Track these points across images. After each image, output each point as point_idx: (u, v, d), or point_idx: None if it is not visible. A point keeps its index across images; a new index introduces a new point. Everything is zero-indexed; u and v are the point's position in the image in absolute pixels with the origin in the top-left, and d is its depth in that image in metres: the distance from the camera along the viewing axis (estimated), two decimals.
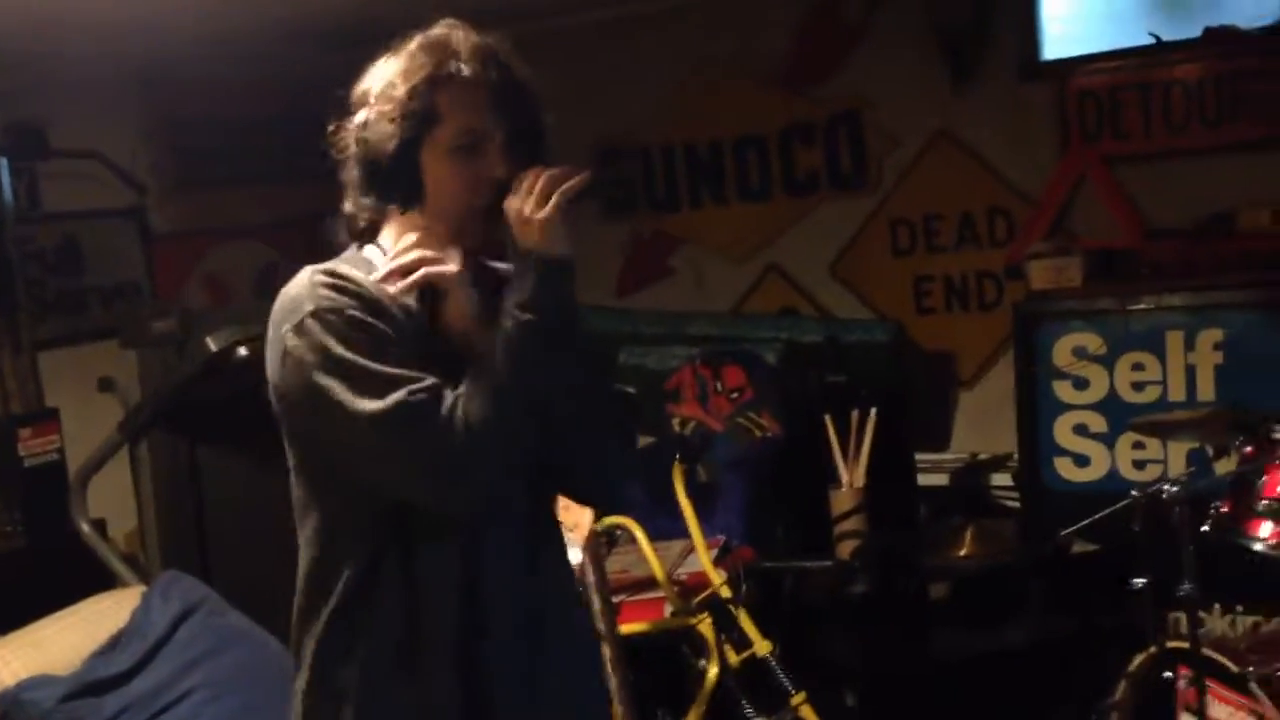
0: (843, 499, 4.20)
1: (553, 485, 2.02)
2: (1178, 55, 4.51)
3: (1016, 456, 4.55)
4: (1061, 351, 4.38)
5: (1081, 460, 4.35)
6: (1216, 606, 3.56)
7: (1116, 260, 4.49)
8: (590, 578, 2.97)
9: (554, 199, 1.79)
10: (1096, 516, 3.32)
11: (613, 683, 2.96)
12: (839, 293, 5.21)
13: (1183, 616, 3.15)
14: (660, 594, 3.49)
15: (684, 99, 5.32)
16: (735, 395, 4.46)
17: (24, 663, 3.25)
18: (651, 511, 3.69)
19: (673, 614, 3.46)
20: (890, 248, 5.09)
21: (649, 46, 5.25)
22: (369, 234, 1.96)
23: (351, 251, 1.96)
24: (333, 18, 4.26)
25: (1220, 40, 4.44)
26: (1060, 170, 4.74)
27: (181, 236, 5.24)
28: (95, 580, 3.98)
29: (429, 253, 1.88)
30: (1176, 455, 4.13)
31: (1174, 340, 4.22)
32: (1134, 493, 3.15)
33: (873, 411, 4.31)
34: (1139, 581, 3.08)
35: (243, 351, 3.81)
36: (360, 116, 1.89)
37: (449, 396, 1.76)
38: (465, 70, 1.85)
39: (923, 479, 4.68)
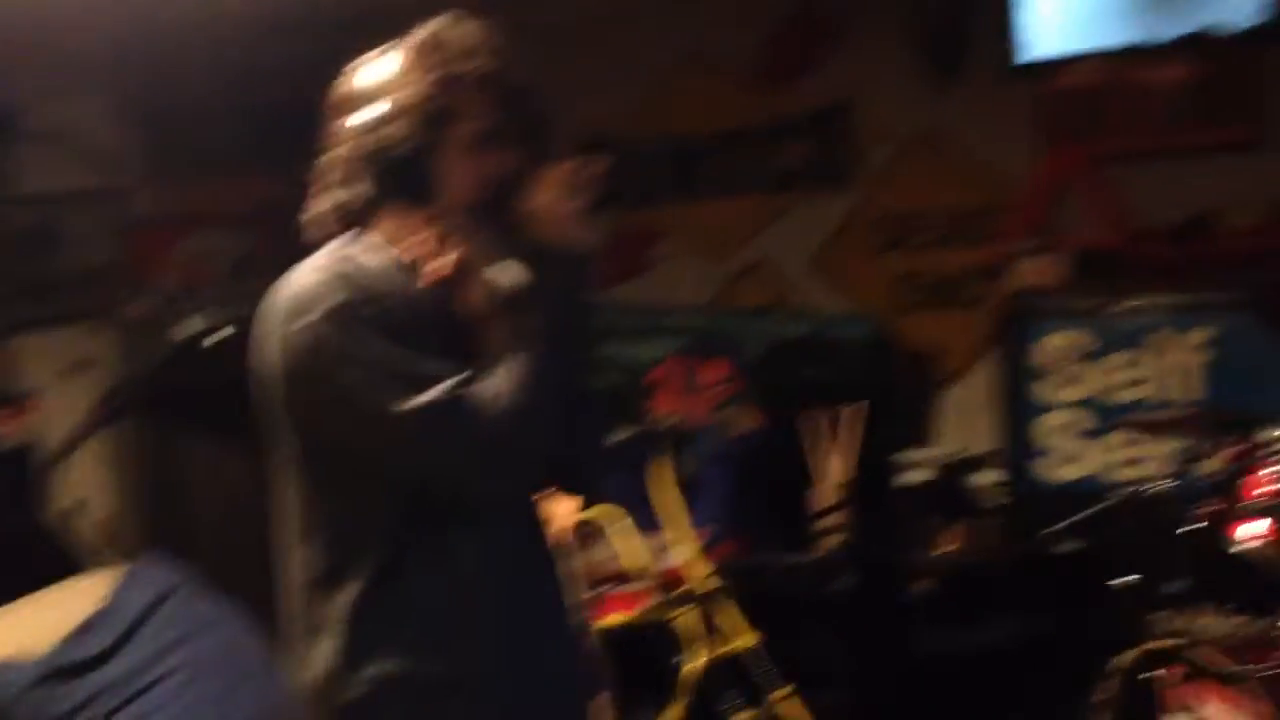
0: (824, 495, 4.18)
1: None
2: (1162, 55, 4.51)
3: (999, 455, 4.54)
4: (1045, 350, 4.37)
5: (1065, 459, 4.34)
6: (1202, 605, 3.55)
7: (1101, 260, 4.49)
8: (570, 570, 2.93)
9: (581, 191, 1.80)
10: (1081, 515, 3.31)
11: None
12: (821, 289, 5.19)
13: (1168, 615, 3.15)
14: (643, 586, 3.46)
15: (667, 93, 5.30)
16: (718, 389, 4.43)
17: None
18: (632, 504, 3.65)
19: (655, 606, 3.43)
20: (873, 244, 5.08)
21: (631, 41, 5.23)
22: (357, 223, 1.90)
23: (345, 240, 1.89)
24: (318, 5, 4.22)
25: (1204, 41, 4.44)
26: (1044, 169, 4.73)
27: (159, 222, 5.18)
28: (72, 565, 3.95)
29: (440, 243, 1.87)
30: (1160, 455, 4.13)
31: (1159, 340, 4.22)
32: (1118, 492, 3.15)
33: (855, 408, 4.29)
34: (1124, 580, 3.08)
35: (218, 338, 3.78)
36: (366, 113, 1.85)
37: (479, 388, 1.75)
38: (480, 66, 1.84)
39: (905, 477, 4.66)
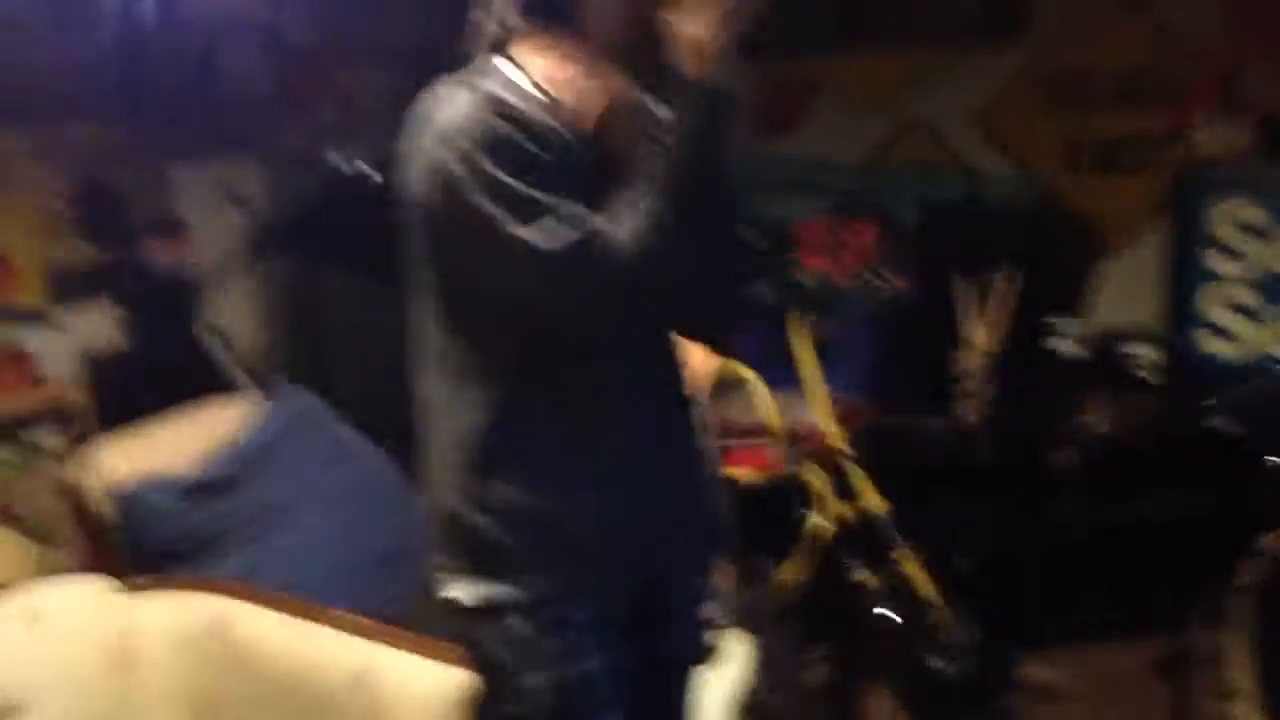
0: (971, 361, 4.04)
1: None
2: None
3: (1159, 328, 4.35)
4: (1220, 221, 4.14)
5: (1229, 336, 4.14)
6: None
7: None
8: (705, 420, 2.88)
9: (726, 23, 1.70)
10: (1239, 391, 3.15)
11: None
12: (983, 149, 4.98)
13: None
14: (775, 444, 3.41)
15: None
16: (867, 250, 4.32)
17: (139, 460, 3.29)
18: (772, 360, 3.59)
19: (785, 464, 3.38)
20: (1041, 104, 4.83)
21: None
22: (501, 47, 1.85)
23: (487, 65, 1.84)
24: None
25: None
26: (1236, 26, 4.42)
27: (318, 54, 5.17)
28: (219, 388, 4.05)
29: (586, 72, 1.81)
30: None
31: None
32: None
33: (1009, 274, 4.13)
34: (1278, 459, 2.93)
35: (373, 174, 3.78)
36: None
37: (613, 227, 1.72)
38: None
39: (1059, 347, 4.49)
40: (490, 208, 1.71)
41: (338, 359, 4.06)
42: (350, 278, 4.00)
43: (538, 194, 1.70)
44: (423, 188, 1.78)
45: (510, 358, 1.82)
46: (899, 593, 3.20)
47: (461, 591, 1.87)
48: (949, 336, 4.09)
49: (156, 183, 4.50)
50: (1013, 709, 3.33)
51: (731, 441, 3.42)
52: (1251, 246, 4.13)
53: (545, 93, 1.80)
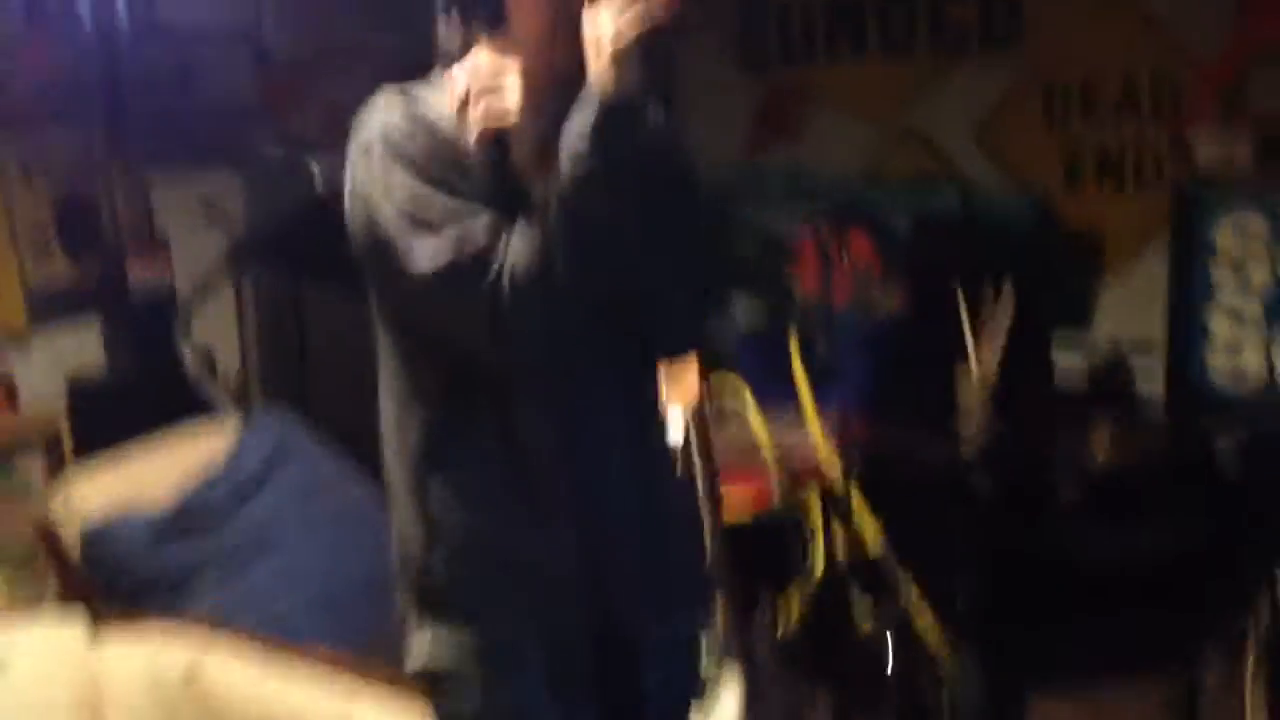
0: (971, 382, 3.94)
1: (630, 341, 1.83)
2: None
3: (1162, 346, 4.25)
4: (1224, 236, 4.05)
5: (1236, 353, 4.05)
6: None
7: None
8: (693, 450, 2.79)
9: (633, 26, 1.58)
10: (1247, 412, 3.06)
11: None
12: (982, 161, 4.88)
13: None
14: (764, 464, 3.32)
15: None
16: (860, 266, 4.22)
17: (112, 491, 3.18)
18: (769, 378, 3.50)
19: (778, 490, 3.28)
20: (1040, 114, 4.74)
21: None
22: (452, 58, 1.79)
23: (437, 76, 1.79)
24: None
25: None
26: (1239, 33, 4.33)
27: (298, 62, 5.07)
28: (201, 410, 3.95)
29: (492, 82, 1.70)
30: None
31: None
32: None
33: (1008, 291, 4.03)
34: None
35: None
36: None
37: (502, 246, 1.63)
38: None
39: (1060, 366, 4.39)
40: (386, 214, 1.66)
41: (319, 376, 3.96)
42: (332, 292, 3.90)
43: (435, 207, 1.64)
44: (345, 194, 1.74)
45: (440, 376, 1.75)
46: (900, 628, 3.10)
47: (415, 644, 1.80)
48: (947, 354, 3.99)
49: (137, 197, 4.39)
50: None
51: (726, 465, 3.31)
52: (1257, 260, 4.03)
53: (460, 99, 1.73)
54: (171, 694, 2.56)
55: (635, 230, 1.65)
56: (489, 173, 1.69)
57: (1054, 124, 4.71)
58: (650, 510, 1.84)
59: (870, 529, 3.23)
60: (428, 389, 1.75)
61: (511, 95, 1.71)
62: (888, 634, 3.11)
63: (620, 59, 1.58)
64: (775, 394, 3.52)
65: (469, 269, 1.61)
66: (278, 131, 4.58)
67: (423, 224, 1.63)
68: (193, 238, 4.40)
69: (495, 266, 1.61)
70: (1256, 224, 4.05)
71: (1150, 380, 4.32)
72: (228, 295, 4.09)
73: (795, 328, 3.54)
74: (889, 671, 3.09)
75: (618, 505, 1.80)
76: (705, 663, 2.22)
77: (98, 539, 3.01)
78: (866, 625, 3.12)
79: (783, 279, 4.33)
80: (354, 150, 1.72)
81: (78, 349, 4.20)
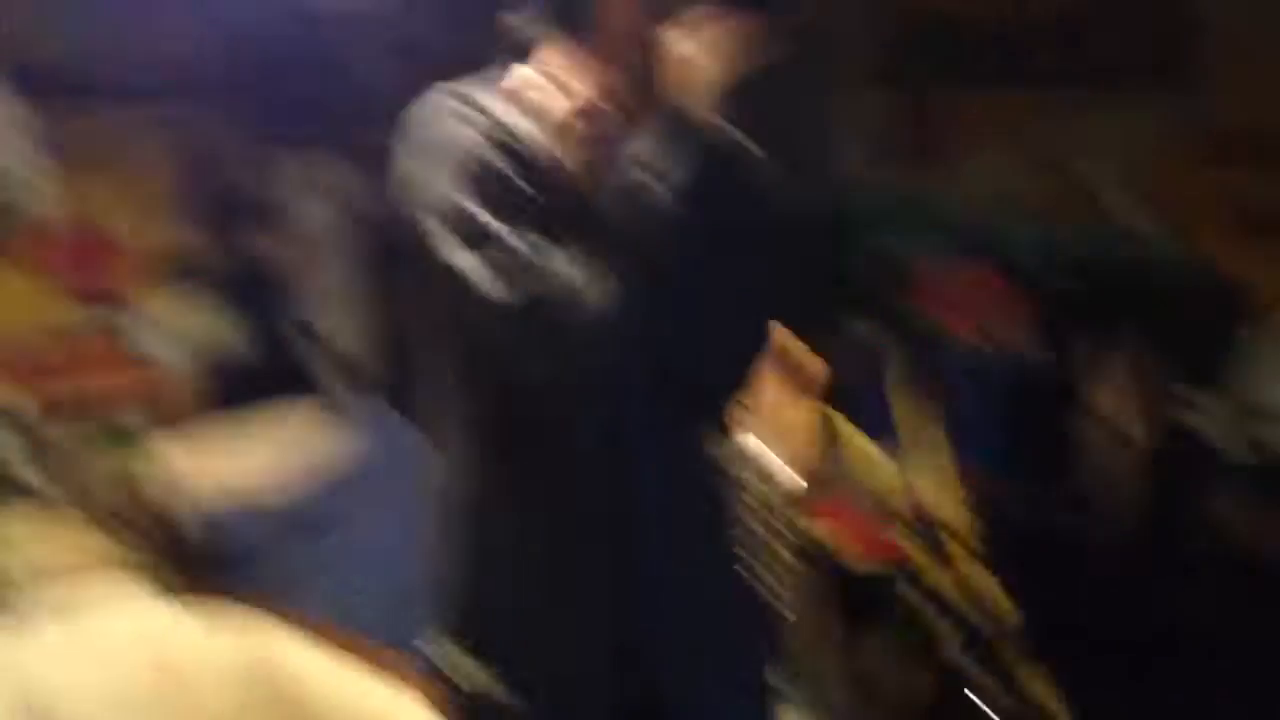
0: (1099, 433, 3.78)
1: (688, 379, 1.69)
2: None
3: None
4: None
5: None
6: None
7: None
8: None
9: (729, 50, 1.47)
10: None
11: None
12: (1129, 200, 4.68)
13: None
14: (871, 513, 3.17)
15: None
16: (990, 300, 4.06)
17: (220, 467, 3.19)
18: (870, 416, 3.35)
19: (884, 538, 3.14)
20: (1197, 157, 4.52)
21: None
22: (524, 53, 1.70)
23: (494, 71, 1.69)
24: None
25: None
26: None
27: (444, 55, 5.07)
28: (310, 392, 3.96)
29: (551, 83, 1.60)
30: None
31: None
32: None
33: (1148, 340, 3.85)
34: None
35: None
36: None
37: (574, 268, 1.52)
38: None
39: (1199, 424, 4.18)
40: (437, 228, 1.55)
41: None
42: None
43: (496, 223, 1.52)
44: (397, 195, 1.63)
45: (481, 404, 1.64)
46: (1019, 696, 2.91)
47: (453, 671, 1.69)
48: (1075, 403, 3.82)
49: (265, 171, 4.42)
50: None
51: (833, 511, 3.18)
52: None
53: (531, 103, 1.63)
54: (251, 680, 2.54)
55: (699, 269, 1.54)
56: (566, 187, 1.59)
57: (1214, 169, 4.49)
58: (711, 568, 1.73)
59: (988, 586, 3.06)
60: (468, 412, 1.65)
61: (617, 104, 1.61)
62: (1006, 700, 2.92)
63: (713, 86, 1.48)
64: (890, 435, 3.39)
65: (536, 288, 1.51)
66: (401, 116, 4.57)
67: (482, 237, 1.52)
68: (316, 217, 4.42)
69: (563, 289, 1.51)
70: None
71: None
72: (345, 276, 4.09)
73: (913, 362, 3.39)
74: None
75: (671, 557, 1.66)
76: None
77: (221, 527, 3.01)
78: (981, 689, 2.94)
79: (906, 312, 4.19)
80: (414, 155, 1.62)
81: (199, 316, 4.24)
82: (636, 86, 1.60)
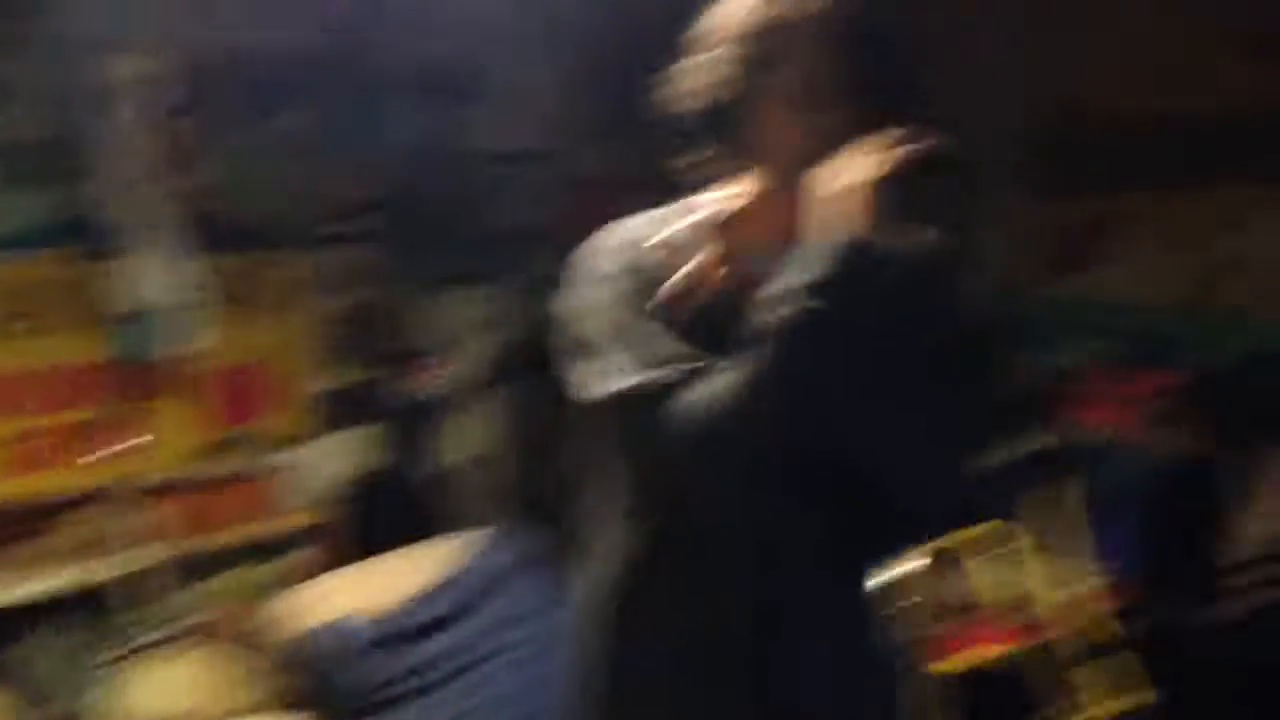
0: (1252, 542, 3.54)
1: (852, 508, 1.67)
2: None
3: None
4: None
5: None
6: None
7: None
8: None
9: (875, 176, 1.47)
10: None
11: None
12: None
13: None
14: (1009, 622, 3.05)
15: (1151, 63, 4.67)
16: (1152, 404, 3.88)
17: (347, 598, 3.24)
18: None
19: (1030, 651, 3.00)
20: None
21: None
22: (702, 180, 1.74)
23: (682, 200, 1.75)
24: None
25: None
26: None
27: (596, 184, 5.18)
28: (450, 522, 4.00)
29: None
30: None
31: None
32: None
33: None
34: None
35: None
36: (699, 57, 1.68)
37: (694, 386, 1.54)
38: (813, 7, 1.59)
39: None
40: (576, 336, 1.64)
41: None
42: None
43: (625, 331, 1.59)
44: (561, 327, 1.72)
45: (587, 505, 1.73)
46: None
47: None
48: (1230, 508, 3.59)
49: (420, 307, 4.56)
50: None
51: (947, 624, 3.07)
52: None
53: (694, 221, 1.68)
54: None
55: (844, 385, 1.53)
56: (714, 309, 1.62)
57: None
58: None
59: (1134, 697, 2.91)
60: (581, 513, 1.73)
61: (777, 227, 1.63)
62: None
63: (858, 208, 1.48)
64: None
65: (647, 401, 1.54)
66: (563, 251, 4.66)
67: (606, 347, 1.59)
68: (468, 349, 4.52)
69: (676, 405, 1.52)
70: None
71: None
72: (492, 407, 4.17)
73: (1065, 470, 3.26)
74: None
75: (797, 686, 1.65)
76: None
77: (314, 640, 3.06)
78: None
79: (1060, 419, 4.03)
80: (567, 285, 1.71)
81: (354, 455, 4.37)
82: (792, 203, 1.60)
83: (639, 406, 1.54)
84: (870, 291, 1.47)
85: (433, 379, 4.42)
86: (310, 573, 3.91)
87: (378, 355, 4.43)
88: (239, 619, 3.62)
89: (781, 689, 1.63)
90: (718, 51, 1.64)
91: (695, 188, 1.74)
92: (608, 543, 1.70)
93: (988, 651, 3.06)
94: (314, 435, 4.28)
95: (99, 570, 3.61)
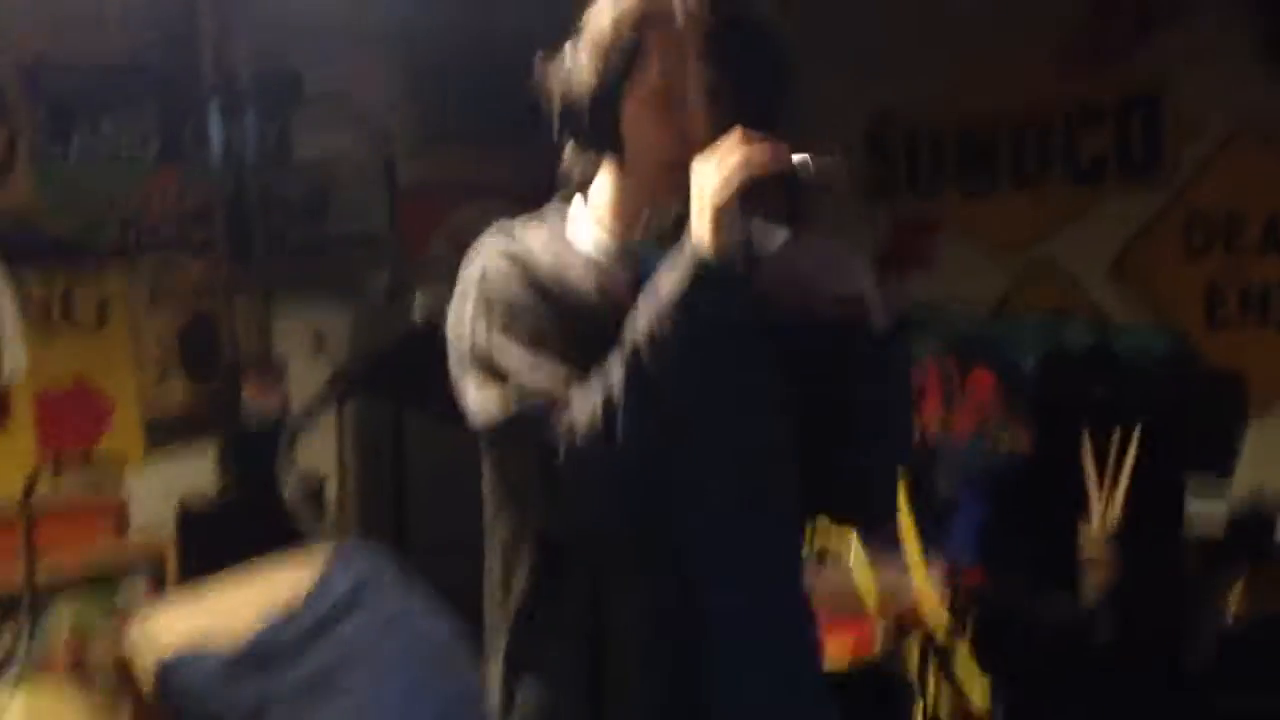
0: (1095, 530, 3.70)
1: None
2: None
3: None
4: None
5: None
6: None
7: None
8: None
9: (733, 181, 1.47)
10: None
11: None
12: (1118, 296, 4.66)
13: None
14: (865, 611, 3.13)
15: (962, 74, 4.86)
16: (983, 403, 4.03)
17: (194, 623, 3.14)
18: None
19: (879, 639, 3.09)
20: (1181, 249, 4.51)
21: (933, 16, 4.76)
22: (573, 186, 1.73)
23: (555, 204, 1.73)
24: None
25: None
26: None
27: (428, 191, 5.12)
28: (299, 539, 3.92)
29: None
30: None
31: None
32: None
33: (1138, 433, 3.78)
34: None
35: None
36: (565, 56, 1.66)
37: (575, 398, 1.52)
38: (681, 6, 1.58)
39: (1196, 517, 4.10)
40: (466, 359, 1.59)
41: (417, 507, 3.91)
42: (432, 423, 3.87)
43: (510, 355, 1.55)
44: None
45: (530, 534, 1.64)
46: None
47: None
48: (1070, 499, 3.75)
49: (257, 324, 4.45)
50: None
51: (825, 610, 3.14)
52: None
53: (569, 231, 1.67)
54: None
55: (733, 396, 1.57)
56: (590, 314, 1.60)
57: (1194, 257, 4.48)
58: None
59: (978, 687, 3.01)
60: (523, 545, 1.64)
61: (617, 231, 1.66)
62: None
63: (718, 215, 1.47)
64: (881, 536, 3.35)
65: (525, 424, 1.52)
66: (401, 262, 4.61)
67: (494, 372, 1.55)
68: (305, 365, 4.43)
69: (555, 423, 1.50)
70: None
71: None
72: (331, 423, 4.08)
73: (907, 467, 3.34)
74: None
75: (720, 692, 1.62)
76: None
77: (171, 672, 2.96)
78: None
79: None
80: (455, 292, 1.66)
81: (190, 473, 4.24)
82: (672, 213, 1.61)
83: (522, 434, 1.52)
84: (733, 301, 1.50)
85: (272, 394, 4.32)
86: (153, 600, 3.79)
87: (214, 371, 4.31)
88: (81, 651, 3.48)
89: (713, 694, 1.61)
90: (584, 50, 1.62)
91: (562, 188, 1.73)
92: (523, 559, 1.65)
93: (840, 650, 3.12)
94: (148, 457, 4.14)
95: None
